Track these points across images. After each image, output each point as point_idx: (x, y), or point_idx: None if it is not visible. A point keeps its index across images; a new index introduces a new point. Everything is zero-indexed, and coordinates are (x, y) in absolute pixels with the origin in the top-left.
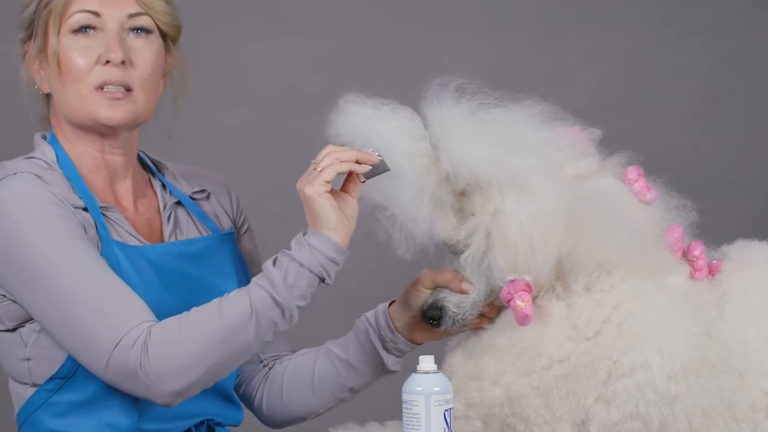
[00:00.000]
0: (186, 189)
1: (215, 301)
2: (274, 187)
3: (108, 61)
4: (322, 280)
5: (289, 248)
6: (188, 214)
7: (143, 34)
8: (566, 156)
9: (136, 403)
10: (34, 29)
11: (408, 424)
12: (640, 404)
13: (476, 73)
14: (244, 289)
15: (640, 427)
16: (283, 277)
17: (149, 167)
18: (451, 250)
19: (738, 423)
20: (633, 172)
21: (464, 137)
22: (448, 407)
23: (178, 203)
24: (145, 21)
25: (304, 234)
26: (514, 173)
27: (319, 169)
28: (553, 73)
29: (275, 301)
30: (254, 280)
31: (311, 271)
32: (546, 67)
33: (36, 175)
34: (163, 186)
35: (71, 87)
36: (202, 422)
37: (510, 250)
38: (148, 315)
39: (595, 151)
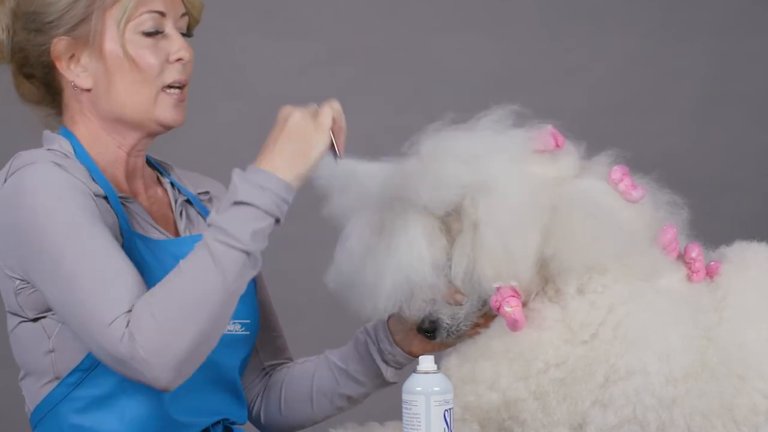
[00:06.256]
0: (191, 189)
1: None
2: None
3: (178, 59)
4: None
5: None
6: (197, 212)
7: (186, 32)
8: (539, 158)
9: (158, 396)
10: (87, 25)
11: (408, 424)
12: (637, 408)
13: (477, 73)
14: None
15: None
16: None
17: (156, 167)
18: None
19: (738, 426)
20: (617, 171)
21: (428, 168)
22: (448, 407)
23: (188, 201)
24: (187, 20)
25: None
26: (480, 184)
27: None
28: (554, 73)
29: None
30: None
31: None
32: (547, 68)
33: (55, 163)
34: (171, 184)
35: (138, 86)
36: (218, 422)
37: (491, 258)
38: (132, 294)
39: (574, 150)
